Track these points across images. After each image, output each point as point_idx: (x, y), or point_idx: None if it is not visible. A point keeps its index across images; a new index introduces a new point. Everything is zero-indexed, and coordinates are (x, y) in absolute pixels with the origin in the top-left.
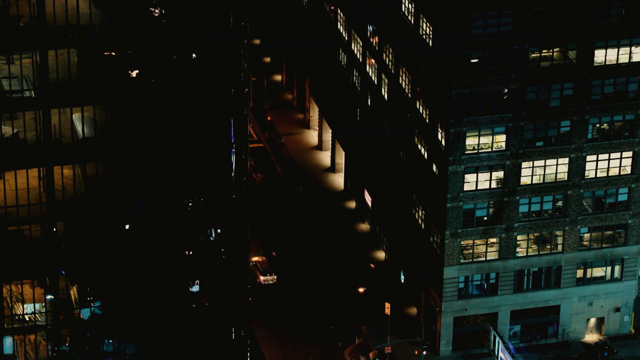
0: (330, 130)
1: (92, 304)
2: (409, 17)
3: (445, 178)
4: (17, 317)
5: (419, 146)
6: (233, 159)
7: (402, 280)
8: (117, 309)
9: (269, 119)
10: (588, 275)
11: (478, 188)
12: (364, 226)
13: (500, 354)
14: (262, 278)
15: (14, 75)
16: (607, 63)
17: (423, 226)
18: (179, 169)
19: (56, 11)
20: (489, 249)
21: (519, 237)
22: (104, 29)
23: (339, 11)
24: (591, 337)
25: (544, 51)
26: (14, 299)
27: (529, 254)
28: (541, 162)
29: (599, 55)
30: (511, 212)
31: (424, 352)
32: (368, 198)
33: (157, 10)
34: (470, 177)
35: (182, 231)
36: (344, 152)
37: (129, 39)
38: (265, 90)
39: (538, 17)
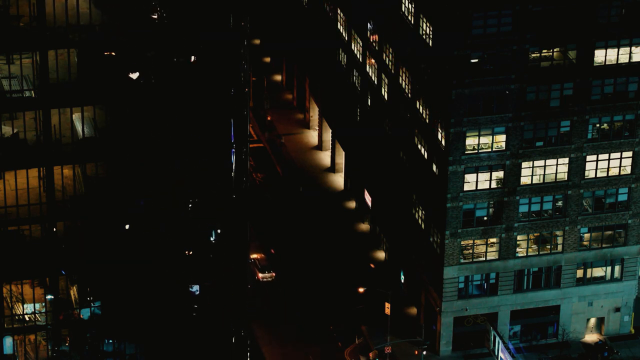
0: (330, 130)
1: (92, 304)
2: (409, 17)
3: (445, 178)
4: (17, 317)
5: (419, 146)
6: (233, 159)
7: (402, 280)
8: (117, 309)
9: (269, 119)
10: (588, 275)
11: (478, 188)
12: (364, 226)
13: (500, 354)
14: (260, 275)
15: (14, 75)
16: (607, 63)
17: (423, 226)
18: (179, 169)
19: (56, 11)
20: (489, 249)
21: (519, 237)
22: (104, 29)
23: (339, 11)
24: (591, 337)
25: (544, 51)
26: (14, 299)
27: (529, 254)
28: (541, 162)
29: (599, 55)
30: (511, 212)
31: (424, 352)
32: (368, 198)
33: (156, 15)
34: (470, 177)
35: (182, 231)
36: (344, 152)
37: (129, 39)
38: (265, 90)
39: (538, 17)
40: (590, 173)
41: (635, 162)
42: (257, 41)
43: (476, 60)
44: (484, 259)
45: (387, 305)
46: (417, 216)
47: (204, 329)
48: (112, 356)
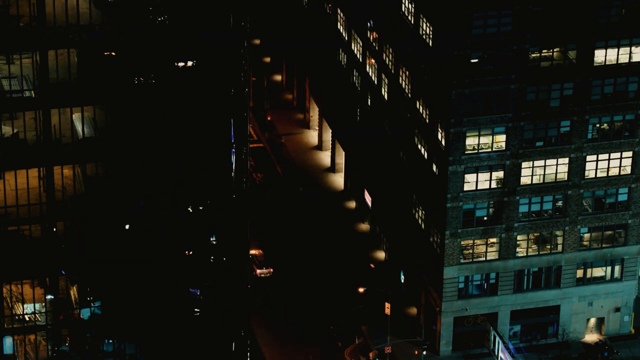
0: (330, 130)
1: (92, 304)
2: (409, 17)
3: (445, 178)
4: (17, 317)
5: (419, 146)
6: (233, 159)
7: (402, 280)
8: (117, 309)
9: (269, 119)
10: (588, 275)
11: (478, 188)
12: (364, 226)
13: (500, 354)
14: (258, 271)
15: (14, 75)
16: (607, 63)
17: (423, 226)
18: (179, 169)
19: (56, 11)
20: (489, 249)
21: (519, 237)
22: (104, 29)
23: (339, 11)
24: (591, 337)
25: (544, 51)
26: (14, 299)
27: (529, 254)
28: (541, 162)
29: (599, 55)
30: (511, 212)
31: (424, 352)
32: (368, 198)
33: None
34: (470, 177)
35: (182, 231)
36: (344, 152)
37: (129, 39)
38: (265, 90)
39: (538, 17)
40: (590, 173)
41: (635, 162)
42: (257, 41)
43: (476, 60)
44: (484, 259)
45: (387, 305)
46: (417, 216)
47: (204, 329)
48: (112, 356)
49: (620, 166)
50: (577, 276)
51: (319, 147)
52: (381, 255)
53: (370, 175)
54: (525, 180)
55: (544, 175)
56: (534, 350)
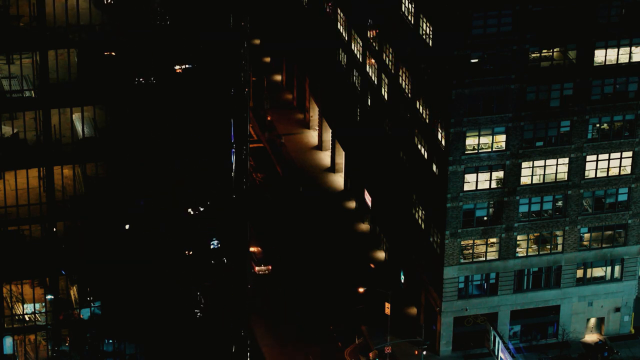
0: (330, 130)
1: (92, 304)
2: (409, 17)
3: (445, 178)
4: (17, 317)
5: (419, 146)
6: (233, 159)
7: (402, 280)
8: (117, 309)
9: (269, 119)
10: (588, 275)
11: (478, 188)
12: (364, 226)
13: (500, 354)
14: (256, 268)
15: (14, 75)
16: (607, 63)
17: (423, 226)
18: (179, 169)
19: (56, 11)
20: (489, 249)
21: (519, 237)
22: (104, 29)
23: (339, 11)
24: (591, 337)
25: (544, 51)
26: (14, 299)
27: (529, 254)
28: (541, 162)
29: (599, 55)
30: (511, 212)
31: (424, 352)
32: (368, 198)
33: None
34: (470, 177)
35: (182, 231)
36: (344, 152)
37: (129, 39)
38: (265, 90)
39: (538, 17)
40: (590, 173)
41: (635, 162)
42: (257, 41)
43: (476, 60)
44: (484, 259)
45: (387, 305)
46: (417, 216)
47: (204, 329)
48: (112, 356)
49: (620, 166)
50: (577, 276)
51: (319, 147)
52: (381, 255)
53: (370, 175)
54: (525, 180)
55: (544, 175)
56: (534, 350)
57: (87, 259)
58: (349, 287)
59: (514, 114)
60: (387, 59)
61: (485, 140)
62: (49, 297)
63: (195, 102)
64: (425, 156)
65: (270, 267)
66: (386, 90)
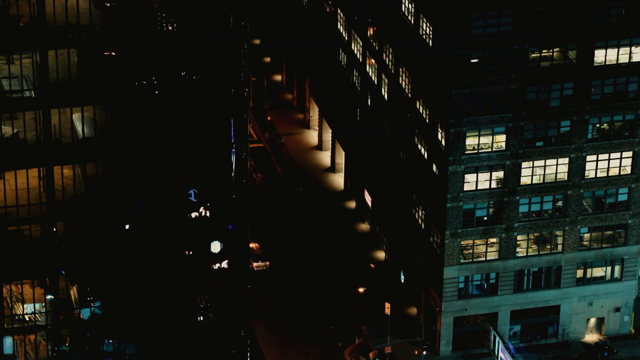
0: (330, 130)
1: (92, 304)
2: (409, 17)
3: (445, 178)
4: (17, 317)
5: (419, 146)
6: (233, 159)
7: (402, 280)
8: (117, 309)
9: (269, 119)
10: (588, 275)
11: (478, 188)
12: (364, 226)
13: (500, 354)
14: (254, 264)
15: (14, 75)
16: (607, 63)
17: (423, 226)
18: (179, 169)
19: (56, 11)
20: (489, 249)
21: (519, 237)
22: (104, 29)
23: (339, 11)
24: (591, 337)
25: (544, 51)
26: (14, 299)
27: (529, 254)
28: (541, 162)
29: (599, 55)
30: (511, 212)
31: (424, 352)
32: (368, 198)
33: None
34: (470, 177)
35: (182, 231)
36: (344, 152)
37: (129, 39)
38: (265, 90)
39: (538, 17)
40: (590, 173)
41: (635, 162)
42: (257, 41)
43: (476, 60)
44: (484, 259)
45: (387, 305)
46: (417, 216)
47: (204, 329)
48: (112, 356)
49: (620, 166)
50: (577, 276)
51: (319, 147)
52: (381, 255)
53: (370, 175)
54: (525, 180)
55: (544, 175)
56: (534, 350)
57: (87, 259)
58: (349, 287)
59: (514, 114)
60: (387, 59)
61: (485, 140)
62: (49, 297)
63: (195, 102)
64: (425, 156)
65: (267, 263)
66: (386, 90)
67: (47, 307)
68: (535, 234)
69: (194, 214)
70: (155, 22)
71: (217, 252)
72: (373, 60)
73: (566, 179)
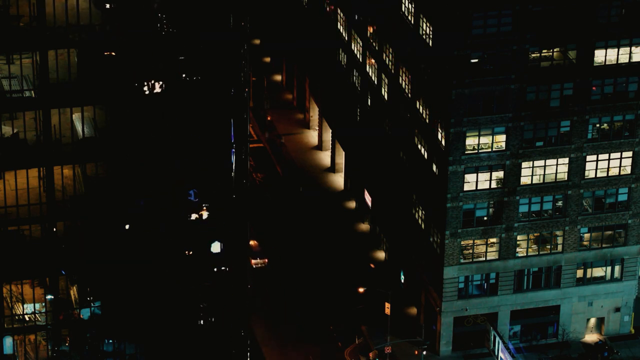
0: (330, 130)
1: (92, 304)
2: (409, 17)
3: (445, 178)
4: (17, 317)
5: (419, 146)
6: (233, 159)
7: (402, 280)
8: (117, 309)
9: (269, 119)
10: (588, 275)
11: (478, 188)
12: (364, 226)
13: (500, 354)
14: (253, 261)
15: (14, 75)
16: (607, 63)
17: (423, 226)
18: (179, 169)
19: (56, 11)
20: (489, 249)
21: (519, 237)
22: (104, 29)
23: (339, 11)
24: (591, 337)
25: (544, 51)
26: (14, 299)
27: (529, 254)
28: (541, 162)
29: (599, 55)
30: (511, 212)
31: (424, 352)
32: (368, 198)
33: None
34: (470, 177)
35: (182, 231)
36: (344, 152)
37: (129, 39)
38: (265, 90)
39: (538, 17)
40: (590, 173)
41: (635, 162)
42: (257, 41)
43: (476, 60)
44: (484, 259)
45: (387, 305)
46: (417, 216)
47: (204, 329)
48: (112, 356)
49: (620, 166)
50: (577, 276)
51: (319, 147)
52: (381, 255)
53: (370, 175)
54: (525, 180)
55: (544, 175)
56: (534, 350)
57: (87, 259)
58: (349, 287)
59: (514, 114)
60: (387, 59)
61: (485, 140)
62: (49, 297)
63: (195, 102)
64: (425, 156)
65: (266, 260)
66: (386, 90)
67: (47, 307)
68: (535, 234)
69: (193, 216)
70: (155, 22)
71: (217, 252)
72: (373, 60)
73: (566, 179)
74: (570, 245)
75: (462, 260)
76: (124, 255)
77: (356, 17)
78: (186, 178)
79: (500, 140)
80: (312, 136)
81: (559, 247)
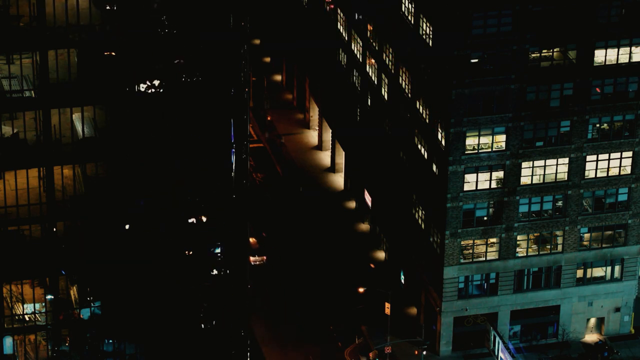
0: (330, 130)
1: (92, 304)
2: (409, 17)
3: (445, 178)
4: (17, 317)
5: (419, 146)
6: (233, 159)
7: (402, 280)
8: (117, 309)
9: (269, 119)
10: (588, 275)
11: (478, 188)
12: (364, 226)
13: (500, 354)
14: (251, 259)
15: (14, 75)
16: (607, 63)
17: (423, 226)
18: (179, 169)
19: (56, 11)
20: (489, 249)
21: (519, 237)
22: (104, 29)
23: (339, 11)
24: (591, 337)
25: (544, 51)
26: (14, 299)
27: (529, 254)
28: (541, 162)
29: (599, 55)
30: (511, 212)
31: (424, 352)
32: (368, 198)
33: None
34: (470, 177)
35: (182, 231)
36: (344, 152)
37: (129, 39)
38: (265, 90)
39: (538, 17)
40: (590, 173)
41: (635, 162)
42: (257, 41)
43: (476, 60)
44: (484, 259)
45: (387, 305)
46: (417, 216)
47: (204, 329)
48: (112, 356)
49: (620, 166)
50: (577, 276)
51: (319, 147)
52: (381, 255)
53: (370, 175)
54: (525, 180)
55: (544, 175)
56: (534, 350)
57: (87, 259)
58: (349, 287)
59: (514, 114)
60: (387, 59)
61: (485, 140)
62: (49, 297)
63: (195, 102)
64: (425, 156)
65: (265, 258)
66: (386, 90)
67: (47, 307)
68: (535, 234)
69: (191, 220)
70: (155, 22)
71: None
72: (373, 60)
73: (566, 179)
74: (570, 245)
75: (462, 260)
76: (124, 255)
77: (356, 16)
78: (186, 178)
79: (500, 140)
80: (312, 136)
81: (559, 247)
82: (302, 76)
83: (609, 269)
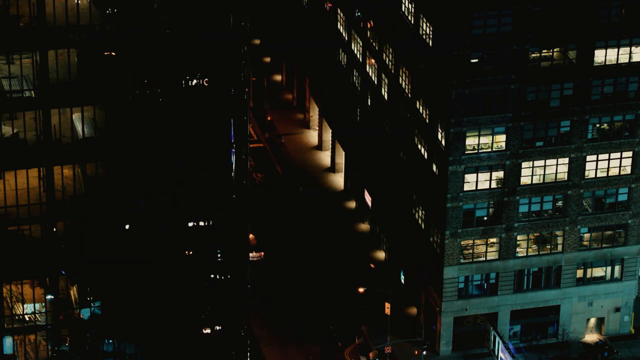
0: (330, 130)
1: (92, 304)
2: (409, 17)
3: (445, 178)
4: (17, 317)
5: (419, 146)
6: (233, 159)
7: (402, 280)
8: (117, 309)
9: (269, 119)
10: (588, 275)
11: (478, 188)
12: (364, 226)
13: (500, 354)
14: (249, 255)
15: (14, 75)
16: (607, 63)
17: (423, 226)
18: (179, 169)
19: (56, 11)
20: (489, 249)
21: (519, 237)
22: (104, 29)
23: (339, 11)
24: (591, 337)
25: (544, 51)
26: (14, 299)
27: (529, 254)
28: (541, 162)
29: (599, 55)
30: (511, 212)
31: (424, 352)
32: (368, 198)
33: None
34: (470, 177)
35: (182, 231)
36: (344, 152)
37: (129, 39)
38: (265, 90)
39: (538, 17)
40: (590, 173)
41: (635, 162)
42: (257, 41)
43: (476, 60)
44: (484, 259)
45: (387, 305)
46: (417, 216)
47: (204, 329)
48: (112, 356)
49: (620, 166)
50: (577, 276)
51: (319, 147)
52: (381, 255)
53: (370, 175)
54: (525, 180)
55: (544, 175)
56: (534, 350)
57: (87, 259)
58: (349, 287)
59: (514, 114)
60: (387, 59)
61: (485, 140)
62: (49, 297)
63: (195, 102)
64: (425, 156)
65: (262, 254)
66: (386, 90)
67: (47, 307)
68: (535, 234)
69: (190, 224)
70: (156, 22)
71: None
72: (373, 60)
73: (566, 179)
74: (570, 245)
75: (462, 260)
76: (124, 255)
77: (357, 14)
78: (186, 178)
79: (500, 140)
80: (312, 136)
81: (559, 247)
82: (302, 76)
83: (609, 269)
